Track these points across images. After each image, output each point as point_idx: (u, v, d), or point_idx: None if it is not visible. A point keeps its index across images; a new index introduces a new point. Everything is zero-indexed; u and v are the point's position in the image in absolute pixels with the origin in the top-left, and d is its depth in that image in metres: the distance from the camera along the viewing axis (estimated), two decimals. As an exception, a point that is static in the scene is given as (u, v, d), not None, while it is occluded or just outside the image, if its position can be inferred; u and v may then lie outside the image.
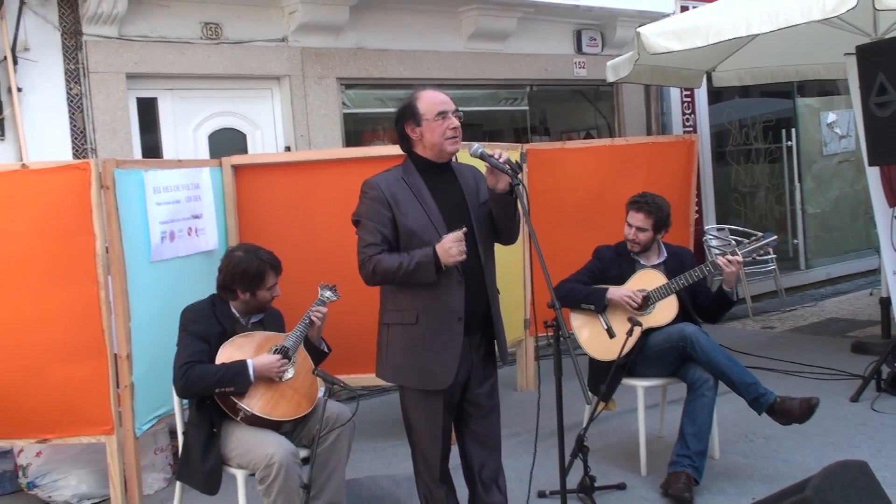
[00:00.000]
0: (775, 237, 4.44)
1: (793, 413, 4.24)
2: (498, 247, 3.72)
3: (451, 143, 3.46)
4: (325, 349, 4.18)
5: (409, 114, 3.46)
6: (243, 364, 3.73)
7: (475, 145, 3.42)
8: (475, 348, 3.57)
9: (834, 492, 2.89)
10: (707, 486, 4.37)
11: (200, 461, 3.68)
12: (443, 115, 3.42)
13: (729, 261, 4.35)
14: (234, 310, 3.98)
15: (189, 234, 4.86)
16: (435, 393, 3.47)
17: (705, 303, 4.63)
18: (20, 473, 4.83)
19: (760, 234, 4.56)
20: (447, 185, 3.54)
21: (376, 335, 3.62)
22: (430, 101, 3.45)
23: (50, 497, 4.75)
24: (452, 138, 3.45)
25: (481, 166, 3.47)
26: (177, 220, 4.76)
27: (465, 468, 3.72)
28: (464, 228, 3.34)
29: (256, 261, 3.92)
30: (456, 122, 3.45)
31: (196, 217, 4.93)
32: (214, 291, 4.02)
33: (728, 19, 5.58)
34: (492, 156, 3.34)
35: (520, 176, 3.41)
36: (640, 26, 6.19)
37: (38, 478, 4.75)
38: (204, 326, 3.85)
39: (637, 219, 4.64)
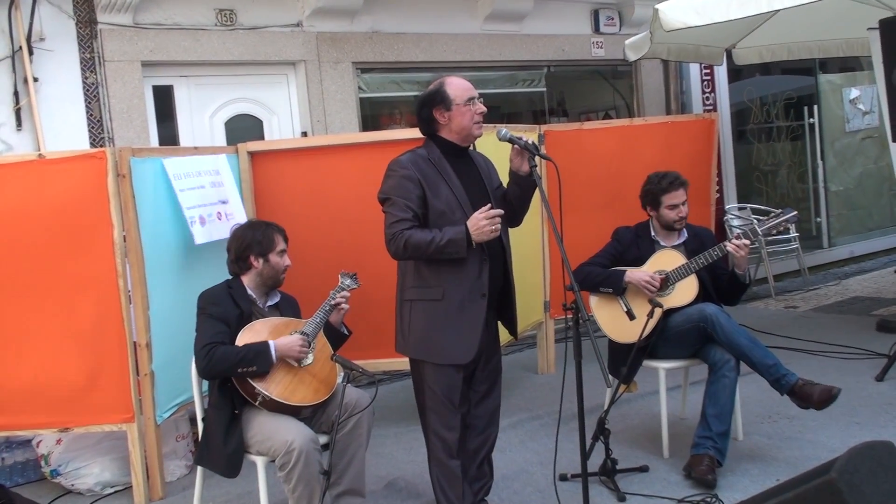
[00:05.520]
0: (795, 213, 4.38)
1: (811, 399, 4.16)
2: (517, 229, 3.81)
3: (478, 128, 3.66)
4: (346, 332, 4.19)
5: (438, 99, 3.61)
6: (265, 344, 3.73)
7: (502, 130, 3.63)
8: (489, 325, 3.71)
9: (860, 473, 2.84)
10: (730, 468, 4.33)
11: (222, 444, 3.68)
12: (471, 100, 3.62)
13: (738, 245, 4.30)
14: (249, 290, 3.98)
15: (220, 219, 4.84)
16: (457, 367, 3.60)
17: (723, 284, 4.57)
18: (42, 462, 4.86)
19: (780, 210, 4.49)
20: (468, 169, 3.71)
21: (395, 313, 3.75)
22: (460, 88, 3.62)
23: (73, 485, 4.78)
24: (479, 123, 3.65)
25: (506, 149, 3.64)
26: (205, 205, 4.75)
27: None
28: (500, 210, 3.49)
29: (262, 225, 4.08)
30: (483, 108, 3.66)
31: (223, 202, 4.93)
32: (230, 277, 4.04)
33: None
34: (520, 138, 3.57)
35: (537, 159, 3.60)
36: (658, 3, 6.10)
37: (61, 465, 4.77)
38: (222, 308, 3.85)
39: (680, 196, 4.58)
